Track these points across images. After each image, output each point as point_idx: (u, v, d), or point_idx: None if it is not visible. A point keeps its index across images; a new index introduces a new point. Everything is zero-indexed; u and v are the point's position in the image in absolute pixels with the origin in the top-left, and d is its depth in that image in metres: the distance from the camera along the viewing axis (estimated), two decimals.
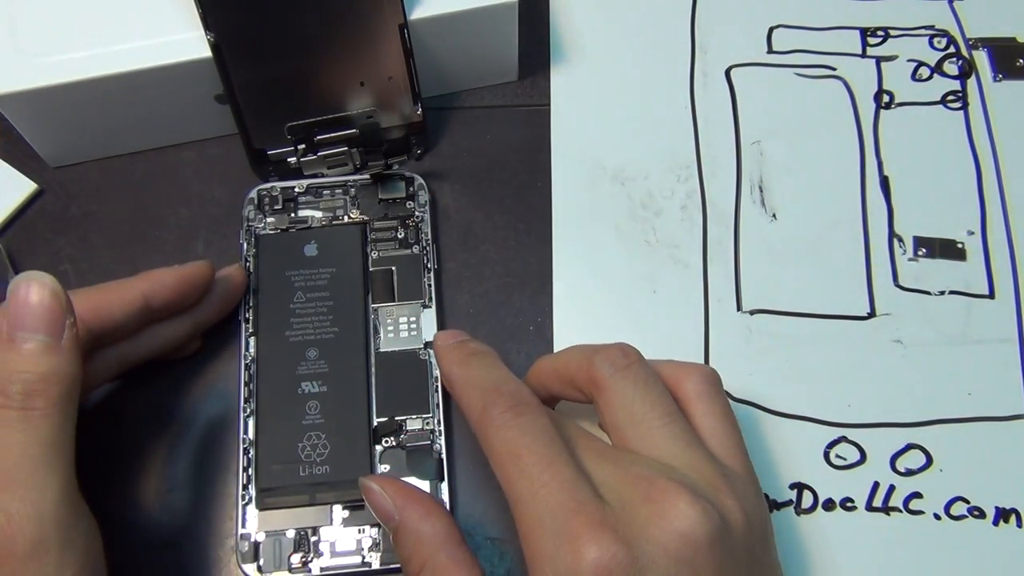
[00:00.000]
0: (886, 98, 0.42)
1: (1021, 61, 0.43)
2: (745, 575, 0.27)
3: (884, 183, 0.41)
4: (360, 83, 0.38)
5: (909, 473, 0.36)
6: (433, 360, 0.36)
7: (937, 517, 0.35)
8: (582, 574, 0.25)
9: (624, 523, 0.26)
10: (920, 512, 0.35)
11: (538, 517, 0.26)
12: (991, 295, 0.39)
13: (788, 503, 0.35)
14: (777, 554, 0.30)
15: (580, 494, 0.26)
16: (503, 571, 0.34)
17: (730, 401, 0.31)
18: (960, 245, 0.40)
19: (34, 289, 0.27)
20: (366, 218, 0.39)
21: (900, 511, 0.35)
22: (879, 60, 0.43)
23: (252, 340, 0.36)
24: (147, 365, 0.37)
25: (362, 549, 0.34)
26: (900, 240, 0.40)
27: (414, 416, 0.35)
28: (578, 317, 0.38)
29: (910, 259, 0.39)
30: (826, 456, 0.36)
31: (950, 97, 0.42)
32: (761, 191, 0.41)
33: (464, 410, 0.30)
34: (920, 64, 0.43)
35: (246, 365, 0.36)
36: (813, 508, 0.35)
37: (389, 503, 0.29)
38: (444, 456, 0.35)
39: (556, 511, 0.26)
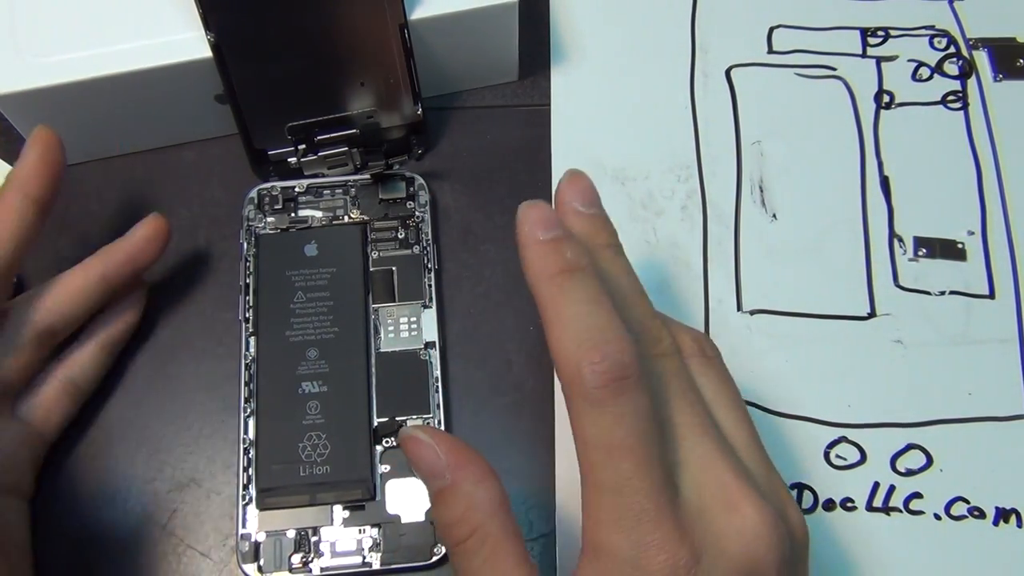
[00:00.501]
0: (886, 98, 0.42)
1: (1021, 61, 0.43)
2: None
3: (884, 183, 0.41)
4: (360, 83, 0.38)
5: (909, 473, 0.36)
6: (433, 360, 0.36)
7: (937, 517, 0.35)
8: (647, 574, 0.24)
9: (699, 532, 0.25)
10: (920, 512, 0.35)
11: (616, 512, 0.25)
12: (991, 295, 0.39)
13: None
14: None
15: (662, 499, 0.25)
16: None
17: None
18: (960, 245, 0.40)
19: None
20: (366, 218, 0.39)
21: (900, 511, 0.35)
22: (879, 60, 0.43)
23: (252, 340, 0.36)
24: (145, 363, 0.37)
25: (362, 549, 0.34)
26: (900, 240, 0.40)
27: (414, 416, 0.35)
28: None
29: (910, 259, 0.39)
30: (826, 456, 0.36)
31: (950, 97, 0.42)
32: (761, 191, 0.41)
33: (551, 347, 0.26)
34: (920, 64, 0.43)
35: (246, 365, 0.36)
36: (813, 508, 0.35)
37: (441, 460, 0.27)
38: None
39: (638, 513, 0.25)
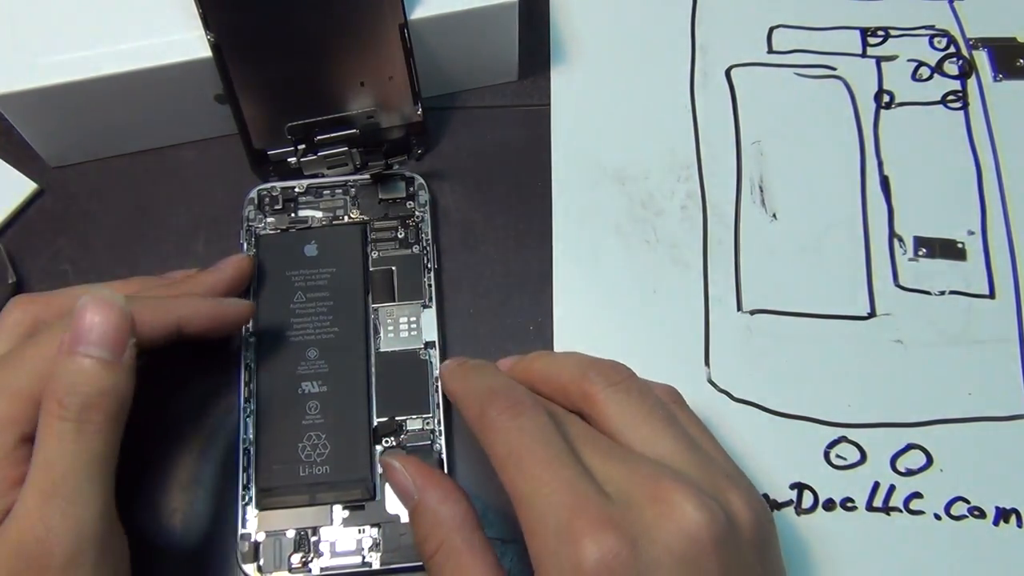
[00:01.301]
0: (886, 98, 0.42)
1: (1021, 61, 0.43)
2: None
3: (884, 183, 0.41)
4: (360, 83, 0.38)
5: (909, 473, 0.36)
6: (433, 360, 0.36)
7: (937, 517, 0.35)
8: (585, 573, 0.25)
9: (629, 522, 0.26)
10: (920, 512, 0.35)
11: (540, 516, 0.26)
12: (991, 295, 0.39)
13: (788, 503, 0.35)
14: (781, 553, 0.30)
15: (582, 492, 0.26)
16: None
17: (730, 401, 0.31)
18: (960, 245, 0.39)
19: (102, 307, 0.28)
20: (366, 218, 0.39)
21: (900, 511, 0.35)
22: (879, 60, 0.43)
23: (252, 340, 0.36)
24: (145, 363, 0.37)
25: (362, 549, 0.34)
26: (900, 240, 0.40)
27: (414, 416, 0.35)
28: (578, 317, 0.38)
29: (910, 259, 0.39)
30: (826, 456, 0.36)
31: (950, 97, 0.42)
32: (761, 191, 0.41)
33: (466, 419, 0.30)
34: (920, 64, 0.43)
35: (246, 365, 0.36)
36: (813, 508, 0.35)
37: (409, 482, 0.29)
38: (444, 456, 0.35)
39: (558, 509, 0.26)
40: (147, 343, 0.31)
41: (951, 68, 0.43)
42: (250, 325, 0.36)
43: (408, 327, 0.37)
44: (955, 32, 0.44)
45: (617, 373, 0.30)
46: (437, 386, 0.36)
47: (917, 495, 0.35)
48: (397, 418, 0.35)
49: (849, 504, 0.35)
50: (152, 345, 0.32)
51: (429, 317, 0.37)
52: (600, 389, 0.30)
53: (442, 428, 0.35)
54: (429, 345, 0.36)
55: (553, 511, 0.26)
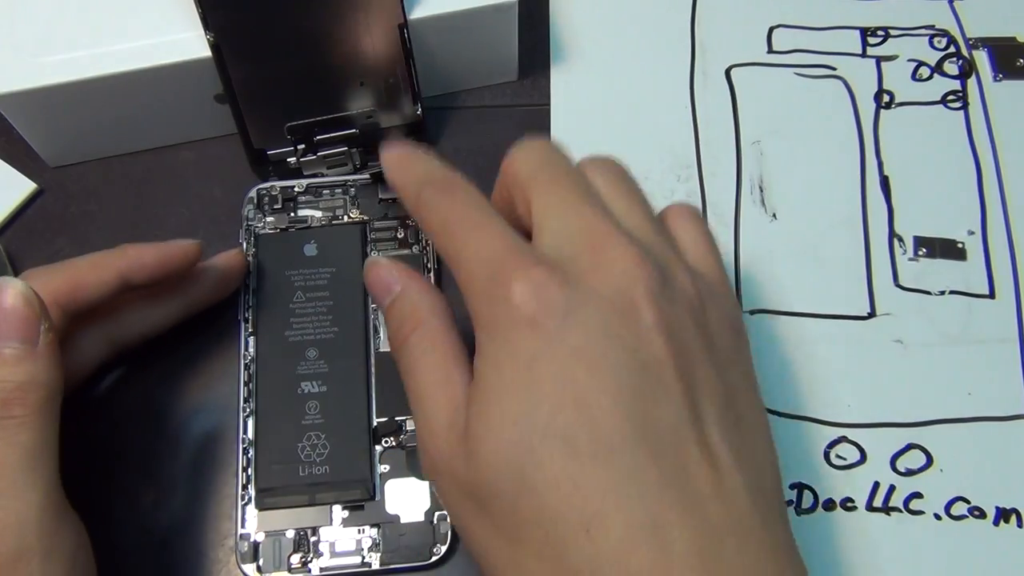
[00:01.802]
0: (886, 98, 0.42)
1: (1021, 61, 0.43)
2: (698, 349, 0.26)
3: (884, 183, 0.41)
4: (360, 83, 0.38)
5: (909, 473, 0.36)
6: None
7: (937, 517, 0.35)
8: (514, 313, 0.25)
9: (561, 265, 0.26)
10: (920, 512, 0.35)
11: (470, 271, 0.26)
12: (991, 295, 0.39)
13: (788, 503, 0.35)
14: (751, 360, 0.29)
15: (512, 242, 0.26)
16: None
17: None
18: (960, 245, 0.39)
19: (7, 295, 0.27)
20: (366, 218, 0.39)
21: (900, 511, 0.35)
22: (879, 60, 0.43)
23: (252, 340, 0.36)
24: (144, 363, 0.37)
25: (362, 549, 0.34)
26: (900, 240, 0.40)
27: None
28: None
29: (910, 259, 0.39)
30: (826, 456, 0.36)
31: (950, 97, 0.42)
32: (761, 191, 0.41)
33: (406, 206, 0.30)
34: (920, 64, 0.43)
35: (246, 365, 0.36)
36: (813, 508, 0.35)
37: (393, 275, 0.30)
38: None
39: (489, 259, 0.26)
40: (94, 301, 0.31)
41: (951, 68, 0.43)
42: (250, 324, 0.36)
43: None
44: (955, 32, 0.44)
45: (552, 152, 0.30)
46: None
47: (917, 495, 0.35)
48: (397, 418, 0.35)
49: (849, 504, 0.35)
50: (103, 303, 0.31)
51: None
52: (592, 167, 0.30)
53: None
54: None
55: (484, 263, 0.26)
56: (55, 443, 0.28)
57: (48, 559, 0.26)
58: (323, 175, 0.40)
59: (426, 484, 0.34)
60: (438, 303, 0.29)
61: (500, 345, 0.25)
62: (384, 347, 0.36)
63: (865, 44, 0.44)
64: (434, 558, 0.33)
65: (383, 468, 0.35)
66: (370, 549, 0.34)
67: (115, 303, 0.33)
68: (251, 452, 0.35)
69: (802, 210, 0.40)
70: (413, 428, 0.35)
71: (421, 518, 0.34)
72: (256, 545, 0.34)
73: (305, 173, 0.39)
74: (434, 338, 0.28)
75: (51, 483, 0.27)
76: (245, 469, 0.34)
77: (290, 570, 0.33)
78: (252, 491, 0.34)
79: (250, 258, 0.38)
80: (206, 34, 0.35)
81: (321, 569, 0.33)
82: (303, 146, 0.39)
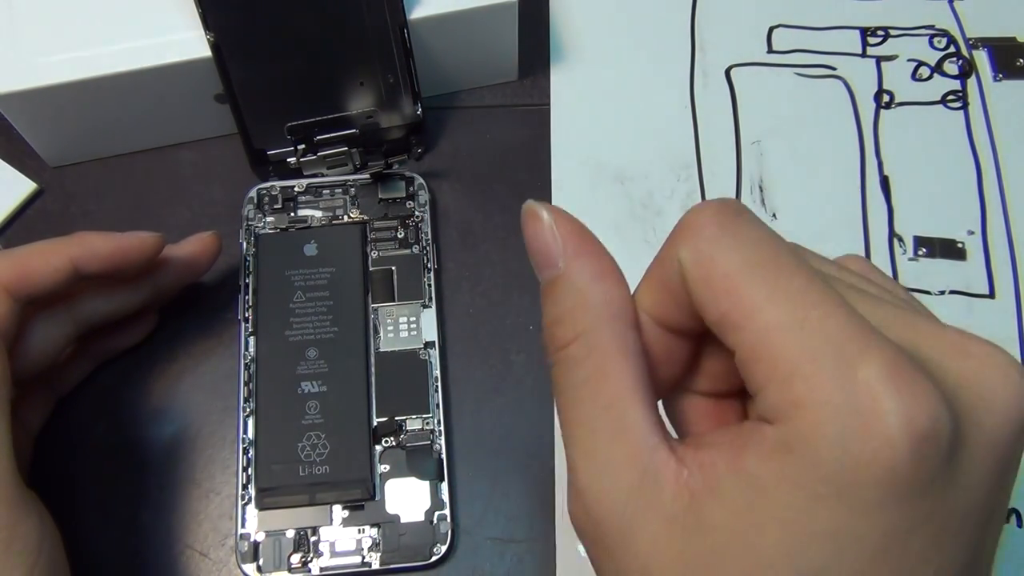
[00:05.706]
0: (886, 98, 0.42)
1: (1021, 61, 0.43)
2: None
3: (884, 183, 0.41)
4: (360, 83, 0.38)
5: None
6: (433, 360, 0.36)
7: None
8: (892, 431, 0.17)
9: (935, 376, 0.18)
10: None
11: (809, 348, 0.18)
12: (991, 295, 0.39)
13: None
14: None
15: (866, 326, 0.18)
16: (503, 571, 0.34)
17: None
18: (960, 245, 0.39)
19: None
20: (366, 218, 0.39)
21: None
22: (879, 60, 0.43)
23: (252, 340, 0.36)
24: (144, 363, 0.37)
25: (362, 549, 0.34)
26: (900, 240, 0.40)
27: (414, 416, 0.35)
28: None
29: (910, 259, 0.39)
30: None
31: (950, 97, 0.42)
32: (761, 191, 0.41)
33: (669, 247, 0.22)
34: (920, 64, 0.43)
35: (246, 365, 0.36)
36: None
37: (557, 243, 0.21)
38: (444, 456, 0.35)
39: (842, 341, 0.18)
40: (47, 287, 0.30)
41: (951, 68, 0.43)
42: (250, 324, 0.36)
43: (408, 327, 0.37)
44: (955, 32, 0.44)
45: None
46: (437, 386, 0.36)
47: None
48: (397, 418, 0.35)
49: None
50: (56, 290, 0.31)
51: (429, 317, 0.37)
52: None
53: (442, 428, 0.35)
54: (429, 345, 0.36)
55: (832, 343, 0.18)
56: (7, 435, 0.27)
57: (8, 552, 0.26)
58: (323, 175, 0.40)
59: (426, 484, 0.34)
60: (614, 299, 0.21)
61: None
62: (384, 347, 0.36)
63: (865, 44, 0.44)
64: (434, 558, 0.33)
65: (383, 468, 0.35)
66: (370, 549, 0.34)
67: (77, 287, 0.32)
68: (251, 452, 0.35)
69: (802, 210, 0.40)
70: (413, 428, 0.35)
71: (421, 518, 0.34)
72: (256, 545, 0.34)
73: (305, 173, 0.39)
74: (603, 360, 0.20)
75: (6, 476, 0.27)
76: (245, 469, 0.34)
77: (290, 570, 0.33)
78: (252, 491, 0.34)
79: (250, 258, 0.38)
80: (206, 34, 0.35)
81: (321, 569, 0.33)
82: (303, 146, 0.39)
